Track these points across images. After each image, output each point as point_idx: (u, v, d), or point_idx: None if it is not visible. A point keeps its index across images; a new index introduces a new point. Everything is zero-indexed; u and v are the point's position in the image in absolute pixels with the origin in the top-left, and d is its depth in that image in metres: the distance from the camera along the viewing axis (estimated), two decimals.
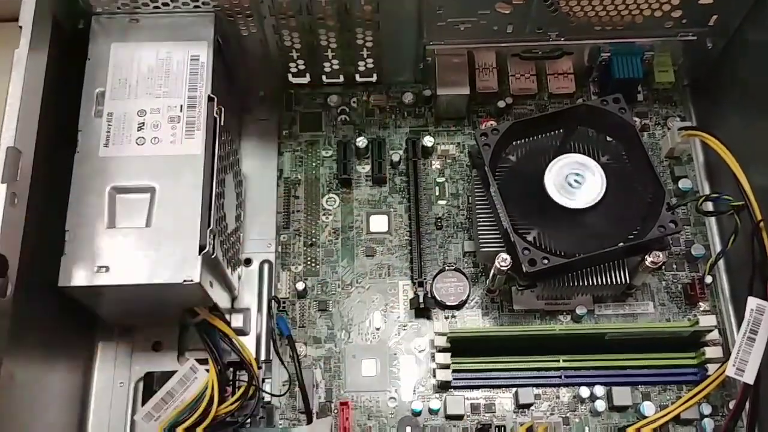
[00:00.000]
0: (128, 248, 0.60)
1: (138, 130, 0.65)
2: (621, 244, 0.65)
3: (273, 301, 0.73)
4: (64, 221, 0.61)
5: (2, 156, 0.56)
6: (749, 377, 0.62)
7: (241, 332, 0.71)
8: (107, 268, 0.59)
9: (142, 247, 0.60)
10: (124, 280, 0.59)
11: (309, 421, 0.67)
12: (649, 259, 0.65)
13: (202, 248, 0.60)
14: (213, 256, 0.62)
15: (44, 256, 0.59)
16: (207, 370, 0.68)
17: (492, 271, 0.68)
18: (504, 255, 0.66)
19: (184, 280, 0.59)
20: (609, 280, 0.67)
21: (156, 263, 0.60)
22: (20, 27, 0.61)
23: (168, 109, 0.66)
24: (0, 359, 0.53)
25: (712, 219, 0.76)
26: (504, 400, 0.70)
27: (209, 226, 0.61)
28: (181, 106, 0.66)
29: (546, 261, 0.63)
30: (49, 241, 0.60)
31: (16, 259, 0.55)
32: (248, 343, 0.71)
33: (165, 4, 0.69)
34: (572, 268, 0.66)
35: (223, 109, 0.67)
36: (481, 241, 0.70)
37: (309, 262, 0.76)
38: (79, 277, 0.59)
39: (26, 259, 0.57)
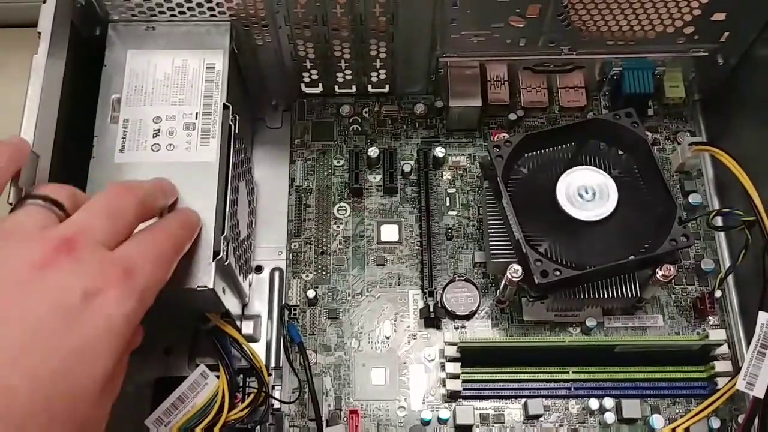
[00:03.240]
0: None
1: (153, 137, 0.65)
2: (632, 257, 0.65)
3: (284, 308, 0.73)
4: None
5: None
6: (759, 391, 0.62)
7: (252, 339, 0.72)
8: None
9: None
10: None
11: (319, 429, 0.67)
12: (660, 273, 0.66)
13: (216, 254, 0.61)
14: (226, 263, 0.62)
15: None
16: (217, 376, 0.68)
17: (503, 282, 0.69)
18: (515, 266, 0.66)
19: (198, 287, 0.59)
20: (619, 292, 0.68)
21: None
22: (39, 33, 0.62)
23: (183, 117, 0.66)
24: None
25: (722, 234, 0.76)
26: (513, 411, 0.70)
27: (223, 232, 0.62)
28: (197, 113, 0.66)
29: (558, 273, 0.64)
30: None
31: None
32: (258, 349, 0.71)
33: (181, 13, 0.69)
34: (583, 280, 0.66)
35: (237, 117, 0.67)
36: (492, 252, 0.70)
37: (320, 271, 0.77)
38: None
39: None
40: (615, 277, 0.68)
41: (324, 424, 0.68)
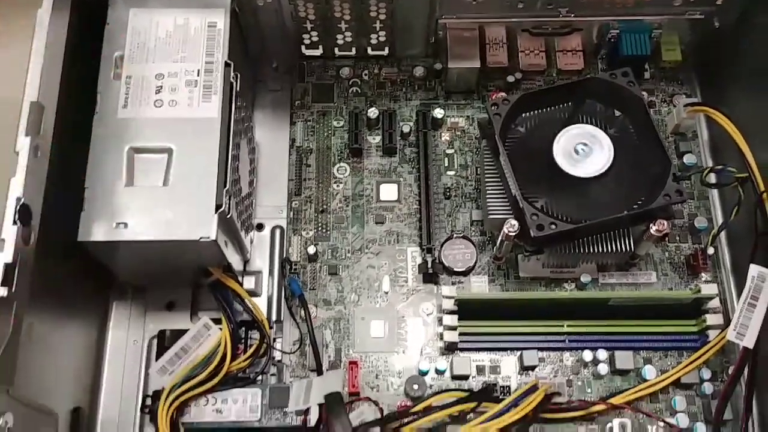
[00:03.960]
0: (146, 206, 0.62)
1: (156, 93, 0.66)
2: (626, 212, 0.66)
3: (285, 262, 0.74)
4: (83, 179, 0.62)
5: (26, 110, 0.57)
6: (749, 342, 0.63)
7: (253, 294, 0.73)
8: (126, 225, 0.61)
9: (160, 205, 0.62)
10: (142, 236, 0.61)
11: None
12: (653, 228, 0.67)
13: (218, 207, 0.62)
14: (228, 216, 0.63)
15: (64, 213, 0.61)
16: (220, 329, 0.70)
17: (500, 238, 0.70)
18: (512, 221, 0.67)
19: (201, 238, 0.61)
20: (614, 248, 0.69)
21: (173, 221, 0.61)
22: None
23: (185, 74, 0.67)
24: (24, 306, 0.54)
25: (715, 193, 0.78)
26: (509, 363, 0.72)
27: (225, 186, 0.63)
28: (198, 70, 0.67)
29: (554, 226, 0.65)
30: (68, 198, 0.61)
31: (39, 210, 0.57)
32: (260, 304, 0.73)
33: None
34: (579, 235, 0.68)
35: (239, 75, 0.68)
36: (489, 209, 0.72)
37: (320, 228, 0.78)
38: (99, 232, 0.61)
39: (47, 214, 0.58)
40: (609, 233, 0.69)
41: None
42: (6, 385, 0.52)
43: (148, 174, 0.64)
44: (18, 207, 0.54)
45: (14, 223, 0.53)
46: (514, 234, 0.67)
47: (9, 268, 0.52)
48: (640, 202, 0.67)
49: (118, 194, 0.62)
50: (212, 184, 0.63)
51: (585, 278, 0.73)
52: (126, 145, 0.64)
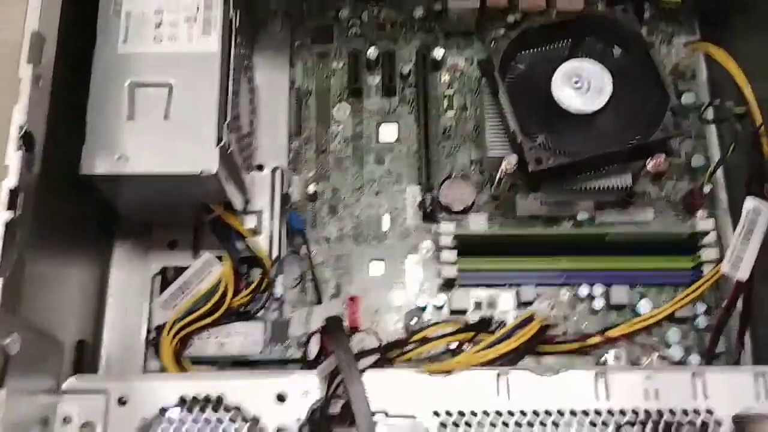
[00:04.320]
0: (147, 139, 0.62)
1: (156, 28, 0.66)
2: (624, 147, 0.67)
3: (285, 197, 0.75)
4: (84, 113, 0.63)
5: (27, 39, 0.57)
6: (743, 274, 0.64)
7: (255, 232, 0.74)
8: (127, 158, 0.61)
9: (161, 138, 0.62)
10: (144, 169, 0.61)
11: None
12: (650, 163, 0.67)
13: (218, 141, 0.62)
14: (229, 151, 0.64)
15: (66, 147, 0.61)
16: (222, 266, 0.71)
17: (498, 175, 0.70)
18: (511, 156, 0.68)
19: (202, 171, 0.61)
20: (611, 183, 0.70)
21: (174, 154, 0.62)
22: None
23: (185, 9, 0.67)
24: (28, 233, 0.55)
25: (713, 132, 0.78)
26: (506, 299, 0.73)
27: (225, 120, 0.64)
28: (198, 6, 0.67)
29: (551, 160, 0.66)
30: (70, 133, 0.62)
31: (41, 138, 0.57)
32: (261, 242, 0.74)
33: None
34: (576, 169, 0.68)
35: (238, 11, 0.68)
36: (488, 146, 0.72)
37: (320, 168, 0.78)
38: (101, 165, 0.61)
39: (49, 146, 0.59)
40: (607, 169, 0.70)
41: None
42: (12, 308, 0.53)
43: (148, 108, 0.64)
44: (21, 134, 0.54)
45: (18, 149, 0.54)
46: (512, 170, 0.68)
47: (14, 192, 0.53)
48: (638, 138, 0.67)
49: (119, 128, 0.62)
50: (212, 118, 0.63)
51: (582, 216, 0.74)
52: (126, 80, 0.64)
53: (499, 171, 0.70)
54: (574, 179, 0.70)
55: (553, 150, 0.67)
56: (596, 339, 0.68)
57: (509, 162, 0.68)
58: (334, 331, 0.53)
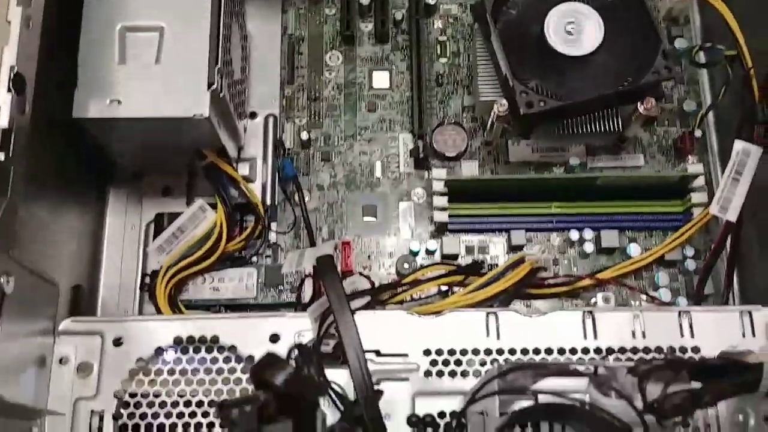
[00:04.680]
0: (139, 83, 0.62)
1: None
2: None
3: (279, 143, 0.75)
4: (75, 57, 0.62)
5: None
6: (732, 215, 0.65)
7: (248, 180, 0.74)
8: (119, 102, 0.61)
9: (153, 82, 0.62)
10: (136, 113, 0.61)
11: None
12: (642, 107, 0.68)
13: (210, 85, 0.62)
14: (221, 95, 0.64)
15: (57, 92, 0.61)
16: (216, 212, 0.71)
17: (490, 120, 0.71)
18: (502, 100, 0.68)
19: (194, 115, 0.61)
20: (602, 127, 0.70)
21: (166, 98, 0.62)
22: None
23: None
24: (22, 175, 0.55)
25: (705, 77, 0.78)
26: (497, 244, 0.73)
27: (217, 64, 0.63)
28: None
29: (543, 103, 0.66)
30: (62, 77, 0.61)
31: (32, 80, 0.57)
32: (255, 189, 0.74)
33: None
34: (568, 113, 0.68)
35: None
36: (480, 92, 0.72)
37: (313, 116, 0.79)
38: (93, 109, 0.61)
39: (41, 90, 0.58)
40: (598, 113, 0.70)
41: None
42: (7, 250, 0.53)
43: (140, 52, 0.64)
44: (12, 75, 0.54)
45: (8, 90, 0.54)
46: (504, 114, 0.68)
47: (5, 133, 0.53)
48: (629, 81, 0.67)
49: (111, 72, 0.63)
50: (204, 62, 0.63)
51: (574, 161, 0.74)
52: (118, 24, 0.64)
53: (491, 116, 0.70)
54: (565, 124, 0.70)
55: (544, 94, 0.67)
56: (586, 282, 0.69)
57: (501, 106, 0.68)
58: (325, 270, 0.53)
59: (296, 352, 0.50)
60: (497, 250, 0.73)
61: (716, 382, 0.40)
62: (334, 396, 0.54)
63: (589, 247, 0.72)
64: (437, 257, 0.73)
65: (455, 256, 0.73)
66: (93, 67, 0.62)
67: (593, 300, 0.70)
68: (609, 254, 0.73)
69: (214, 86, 0.63)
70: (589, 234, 0.72)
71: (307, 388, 0.42)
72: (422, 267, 0.69)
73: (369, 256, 0.73)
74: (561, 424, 0.43)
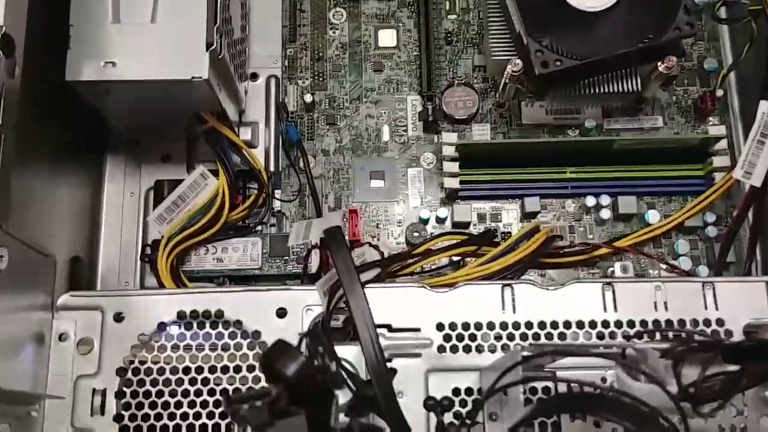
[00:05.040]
0: (135, 44, 0.59)
1: None
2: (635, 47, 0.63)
3: (281, 107, 0.72)
4: (67, 17, 0.59)
5: None
6: (756, 180, 0.62)
7: (250, 145, 0.71)
8: (114, 63, 0.58)
9: (149, 43, 0.59)
10: (132, 75, 0.58)
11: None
12: (662, 65, 0.64)
13: (209, 45, 0.59)
14: (220, 56, 0.61)
15: (48, 54, 0.58)
16: (218, 179, 0.68)
17: (503, 81, 0.67)
18: (516, 60, 0.65)
19: (193, 77, 0.58)
20: (620, 88, 0.67)
21: (163, 59, 0.59)
22: None
23: None
24: (14, 142, 0.52)
25: (726, 34, 0.75)
26: (510, 211, 0.71)
27: (216, 23, 0.60)
28: None
29: (559, 63, 0.62)
30: (54, 39, 0.58)
31: (21, 41, 0.54)
32: (257, 155, 0.71)
33: None
34: (584, 73, 0.65)
35: None
36: (492, 51, 0.69)
37: (316, 77, 0.75)
38: (87, 71, 0.58)
39: (31, 53, 0.55)
40: (616, 72, 0.67)
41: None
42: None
43: (134, 11, 0.60)
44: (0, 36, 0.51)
45: None
46: (517, 74, 0.65)
47: None
48: (649, 38, 0.64)
49: (104, 32, 0.59)
50: (201, 21, 0.60)
51: (589, 123, 0.71)
52: None
53: (504, 76, 0.67)
54: (581, 84, 0.67)
55: (560, 53, 0.64)
56: (603, 250, 0.67)
57: (514, 66, 0.65)
58: (333, 242, 0.51)
59: (308, 339, 0.47)
60: (510, 217, 0.71)
61: (755, 365, 0.38)
62: (345, 375, 0.52)
63: (605, 214, 0.69)
64: (448, 225, 0.71)
65: (467, 224, 0.70)
66: (86, 27, 0.59)
67: (610, 269, 0.67)
68: (626, 221, 0.70)
69: (213, 46, 0.59)
70: (605, 200, 0.70)
71: (319, 380, 0.39)
72: (433, 236, 0.66)
73: (377, 225, 0.71)
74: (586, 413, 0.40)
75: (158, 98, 0.62)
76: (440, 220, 0.71)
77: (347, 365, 0.54)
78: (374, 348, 0.48)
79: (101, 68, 0.58)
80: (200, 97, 0.62)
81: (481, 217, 0.71)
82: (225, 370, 0.57)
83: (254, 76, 0.74)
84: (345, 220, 0.67)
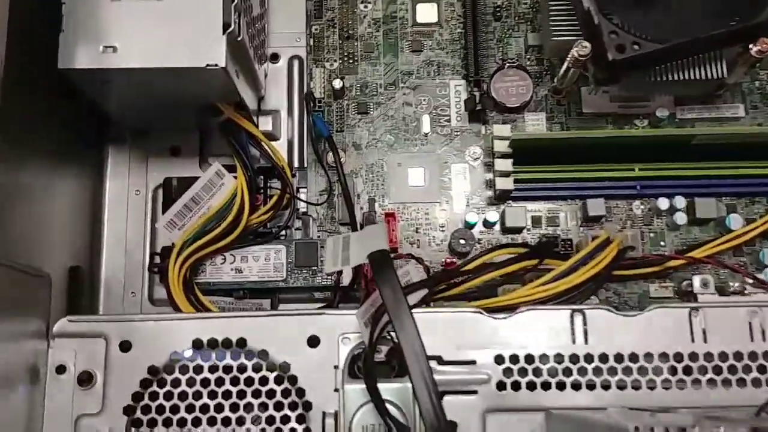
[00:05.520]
0: (139, 25, 0.52)
1: None
2: (724, 29, 0.54)
3: (308, 97, 0.64)
4: None
5: None
6: None
7: (271, 137, 0.63)
8: (115, 49, 0.51)
9: (156, 24, 0.52)
10: (136, 62, 0.51)
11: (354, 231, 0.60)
12: (754, 48, 0.56)
13: (226, 26, 0.52)
14: (239, 39, 0.53)
15: (39, 38, 0.50)
16: (235, 177, 0.61)
17: (565, 65, 0.59)
18: (583, 42, 0.56)
19: (207, 65, 0.51)
20: (703, 73, 0.58)
21: (173, 44, 0.51)
22: None
23: None
24: None
25: None
26: (569, 213, 0.63)
27: (233, 0, 0.51)
28: None
29: (636, 47, 0.54)
30: (43, 20, 0.51)
31: (5, 22, 0.47)
32: (279, 148, 0.63)
33: None
34: (665, 58, 0.57)
35: None
36: (552, 29, 0.60)
37: (346, 58, 0.67)
38: (83, 58, 0.51)
39: (17, 38, 0.48)
40: (699, 56, 0.58)
41: (359, 228, 0.61)
42: None
43: None
44: None
45: None
46: (584, 59, 0.56)
47: None
48: (738, 17, 0.55)
49: (103, 11, 0.52)
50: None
51: (661, 113, 0.63)
52: None
53: (567, 60, 0.58)
54: (656, 70, 0.58)
55: (634, 34, 0.54)
56: (679, 261, 0.58)
57: (581, 49, 0.56)
58: (381, 269, 0.43)
59: None
60: (569, 222, 0.62)
61: None
62: (391, 424, 0.44)
63: (680, 218, 0.62)
64: (497, 230, 0.62)
65: (519, 230, 0.62)
66: (81, 5, 0.51)
67: (686, 282, 0.59)
68: (703, 225, 0.62)
69: (231, 28, 0.52)
70: (680, 202, 0.62)
71: None
72: (486, 250, 0.57)
73: (416, 229, 0.63)
74: None
75: (166, 89, 0.55)
76: (489, 224, 0.62)
77: (392, 408, 0.47)
78: (434, 406, 0.40)
79: (99, 54, 0.51)
80: (216, 86, 0.55)
81: (536, 221, 0.63)
82: (249, 408, 0.50)
83: (274, 58, 0.66)
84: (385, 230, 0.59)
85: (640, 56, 0.54)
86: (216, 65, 0.51)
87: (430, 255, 0.62)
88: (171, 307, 0.58)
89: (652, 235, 0.62)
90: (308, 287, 0.61)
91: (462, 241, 0.61)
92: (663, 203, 0.62)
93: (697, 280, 0.58)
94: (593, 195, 0.62)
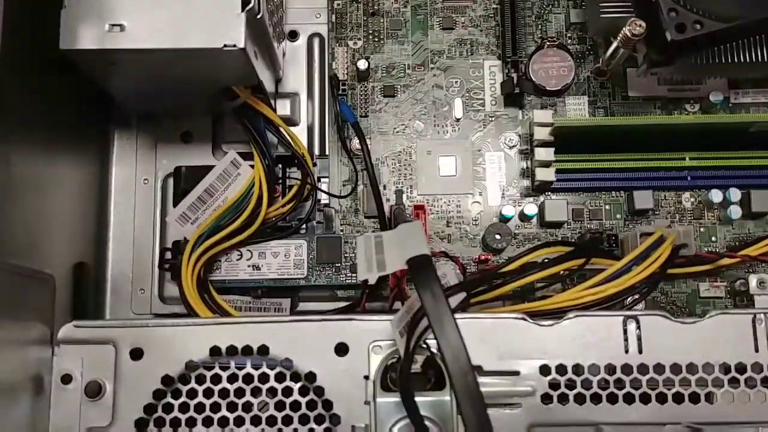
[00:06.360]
0: (149, 1, 0.48)
1: None
2: None
3: (332, 80, 0.59)
4: None
5: None
6: None
7: (290, 122, 0.59)
8: (122, 27, 0.47)
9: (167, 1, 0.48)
10: (145, 43, 0.48)
11: (382, 226, 0.56)
12: None
13: (245, 3, 0.48)
14: (259, 16, 0.49)
15: (39, 17, 0.48)
16: (251, 166, 0.57)
17: (614, 44, 0.55)
18: (638, 21, 0.51)
19: (225, 45, 0.48)
20: (765, 55, 0.53)
21: (186, 22, 0.48)
22: None
23: None
24: None
25: None
26: (614, 206, 0.59)
27: None
28: None
29: (698, 26, 0.49)
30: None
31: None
32: (299, 134, 0.58)
33: None
34: (729, 38, 0.52)
35: None
36: (600, 5, 0.56)
37: (371, 37, 0.63)
38: (87, 38, 0.48)
39: (15, 16, 0.45)
40: (761, 36, 0.53)
41: (387, 222, 0.56)
42: None
43: None
44: None
45: None
46: (637, 38, 0.51)
47: None
48: None
49: None
50: None
51: (715, 97, 0.59)
52: None
53: (617, 39, 0.53)
54: (715, 51, 0.53)
55: (695, 12, 0.50)
56: (733, 259, 0.54)
57: (634, 28, 0.51)
58: (422, 276, 0.38)
59: None
60: (614, 215, 0.58)
61: None
62: None
63: (735, 212, 0.58)
64: (534, 224, 0.58)
65: (559, 224, 0.58)
66: None
67: (740, 281, 0.55)
68: (759, 219, 0.59)
69: (251, 5, 0.48)
70: (735, 194, 0.58)
71: None
72: (529, 249, 0.52)
73: (447, 223, 0.59)
74: None
75: (178, 71, 0.51)
76: (526, 218, 0.58)
77: (430, 424, 0.43)
78: (482, 425, 0.36)
79: (105, 34, 0.48)
80: (233, 69, 0.51)
81: (578, 215, 0.58)
82: (272, 421, 0.46)
83: (293, 36, 0.62)
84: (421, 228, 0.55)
85: (701, 36, 0.50)
86: (234, 46, 0.47)
87: (461, 251, 0.58)
88: (183, 306, 0.54)
89: (702, 229, 0.58)
90: (331, 285, 0.57)
91: (497, 236, 0.57)
92: (716, 195, 0.58)
93: (753, 280, 0.55)
94: (640, 186, 0.58)
